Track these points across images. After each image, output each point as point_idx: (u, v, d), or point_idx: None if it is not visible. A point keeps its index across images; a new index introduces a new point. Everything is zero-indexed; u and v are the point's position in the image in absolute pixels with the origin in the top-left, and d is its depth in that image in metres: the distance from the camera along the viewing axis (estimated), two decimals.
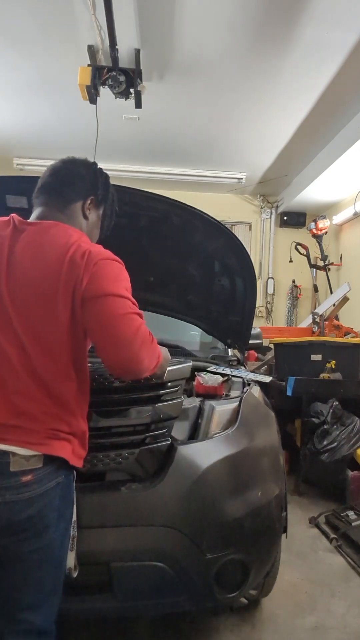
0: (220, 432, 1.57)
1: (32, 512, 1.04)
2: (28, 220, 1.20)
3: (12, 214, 1.20)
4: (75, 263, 1.07)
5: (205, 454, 1.47)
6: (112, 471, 1.40)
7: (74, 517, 1.20)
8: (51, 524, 1.08)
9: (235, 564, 1.45)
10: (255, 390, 1.91)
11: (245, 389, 1.91)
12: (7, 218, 1.19)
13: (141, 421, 1.40)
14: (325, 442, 3.07)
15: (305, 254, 5.37)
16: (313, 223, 5.08)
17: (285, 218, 6.50)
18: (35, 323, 1.07)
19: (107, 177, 1.36)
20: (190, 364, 1.59)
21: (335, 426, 3.14)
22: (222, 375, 2.00)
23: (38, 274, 1.08)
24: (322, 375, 3.38)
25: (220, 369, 2.11)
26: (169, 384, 1.46)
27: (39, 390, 1.07)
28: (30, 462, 1.03)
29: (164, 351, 1.27)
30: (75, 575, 1.22)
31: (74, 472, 1.18)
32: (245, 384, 2.00)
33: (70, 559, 1.19)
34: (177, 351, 2.40)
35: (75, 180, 1.26)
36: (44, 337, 1.08)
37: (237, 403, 1.73)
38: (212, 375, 1.95)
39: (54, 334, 1.08)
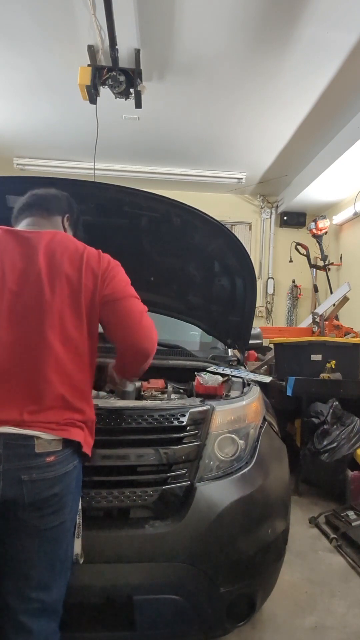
0: (236, 468, 1.60)
1: (56, 490, 1.16)
2: (25, 230, 1.37)
3: (9, 229, 1.35)
4: (91, 267, 1.30)
5: (223, 493, 1.52)
6: (137, 508, 1.49)
7: (79, 506, 1.31)
8: (67, 505, 1.20)
9: (245, 596, 1.55)
10: (255, 391, 1.91)
11: (245, 389, 1.91)
12: (9, 229, 1.34)
13: (164, 461, 1.50)
14: (325, 442, 3.07)
15: (305, 254, 5.37)
16: (313, 223, 5.08)
17: (285, 218, 6.50)
18: (65, 322, 1.24)
19: (76, 205, 1.58)
20: (207, 408, 1.63)
21: (335, 426, 3.14)
22: (222, 375, 2.00)
23: (64, 277, 1.25)
24: (322, 375, 3.38)
25: (220, 369, 2.11)
26: (189, 427, 1.54)
27: (63, 383, 1.21)
28: (52, 445, 1.16)
29: None
30: (81, 561, 1.32)
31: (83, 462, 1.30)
32: (245, 384, 2.00)
33: (77, 546, 1.30)
34: (177, 351, 2.40)
35: (53, 199, 1.49)
36: (72, 333, 1.24)
37: (241, 403, 1.73)
38: (212, 375, 1.95)
39: (79, 330, 1.26)
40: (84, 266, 1.29)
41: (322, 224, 4.99)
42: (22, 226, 1.41)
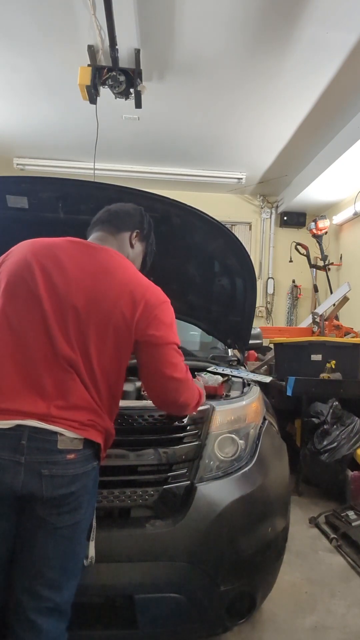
0: (236, 468, 1.60)
1: (74, 489, 1.17)
2: (90, 243, 1.41)
3: (74, 239, 1.37)
4: (135, 299, 1.26)
5: (224, 492, 1.52)
6: (138, 507, 1.50)
7: (94, 509, 1.31)
8: (83, 505, 1.21)
9: (245, 594, 1.56)
10: (255, 391, 1.91)
11: (245, 389, 1.91)
12: (73, 239, 1.36)
13: (164, 461, 1.51)
14: (325, 442, 3.08)
15: (305, 254, 5.37)
16: (313, 223, 5.08)
17: (285, 218, 6.50)
18: (93, 335, 1.24)
19: (150, 219, 1.62)
20: (207, 407, 1.63)
21: (335, 426, 3.14)
22: (222, 375, 2.00)
23: (101, 295, 1.25)
24: (322, 375, 3.38)
25: (220, 369, 2.11)
26: (189, 427, 1.55)
27: (87, 391, 1.23)
28: (73, 443, 1.18)
29: (202, 389, 1.52)
30: (93, 564, 1.33)
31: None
32: (245, 384, 2.00)
33: (91, 549, 1.31)
34: None
35: (124, 216, 1.54)
36: (101, 349, 1.25)
37: (242, 403, 1.73)
38: (212, 375, 1.95)
39: (106, 348, 1.25)
40: (127, 293, 1.27)
41: (322, 224, 5.00)
42: (90, 239, 1.47)
